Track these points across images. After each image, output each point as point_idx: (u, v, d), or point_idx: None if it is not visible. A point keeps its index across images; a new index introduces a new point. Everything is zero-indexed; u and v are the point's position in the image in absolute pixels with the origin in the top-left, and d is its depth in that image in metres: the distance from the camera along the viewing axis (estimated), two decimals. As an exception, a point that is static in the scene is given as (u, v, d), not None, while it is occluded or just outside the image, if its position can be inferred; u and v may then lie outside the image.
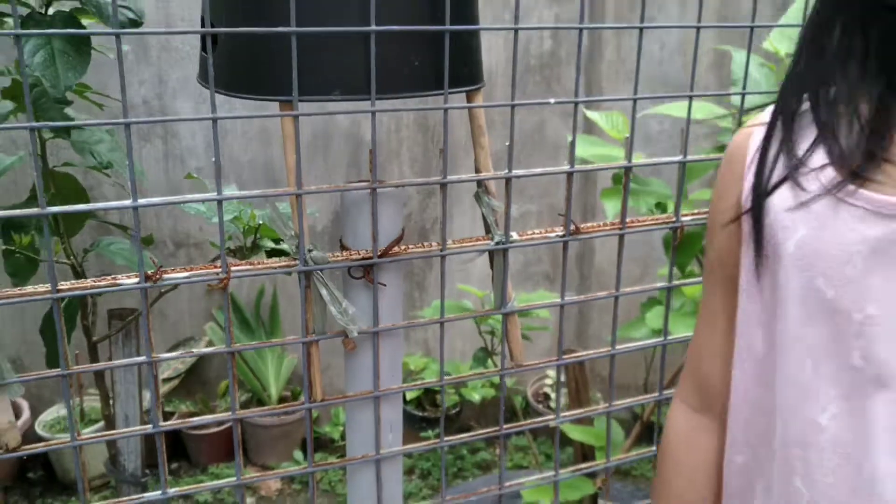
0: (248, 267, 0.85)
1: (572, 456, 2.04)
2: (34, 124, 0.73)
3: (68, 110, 1.39)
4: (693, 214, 1.02)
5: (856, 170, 0.60)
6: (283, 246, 1.42)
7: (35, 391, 2.70)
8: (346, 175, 2.65)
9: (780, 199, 0.64)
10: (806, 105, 0.65)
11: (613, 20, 2.67)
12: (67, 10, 1.24)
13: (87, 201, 1.61)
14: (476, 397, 2.75)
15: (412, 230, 2.75)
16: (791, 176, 0.64)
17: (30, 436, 2.57)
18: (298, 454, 2.73)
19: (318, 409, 1.06)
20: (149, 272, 0.80)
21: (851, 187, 0.60)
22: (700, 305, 0.79)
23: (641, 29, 0.91)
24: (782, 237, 0.64)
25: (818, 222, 0.62)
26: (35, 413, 2.63)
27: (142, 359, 0.85)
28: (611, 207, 1.39)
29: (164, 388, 2.69)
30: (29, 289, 0.77)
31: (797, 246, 0.63)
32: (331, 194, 2.49)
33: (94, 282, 0.79)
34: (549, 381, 2.90)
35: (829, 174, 0.61)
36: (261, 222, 1.32)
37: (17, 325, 2.56)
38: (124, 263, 1.52)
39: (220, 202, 0.81)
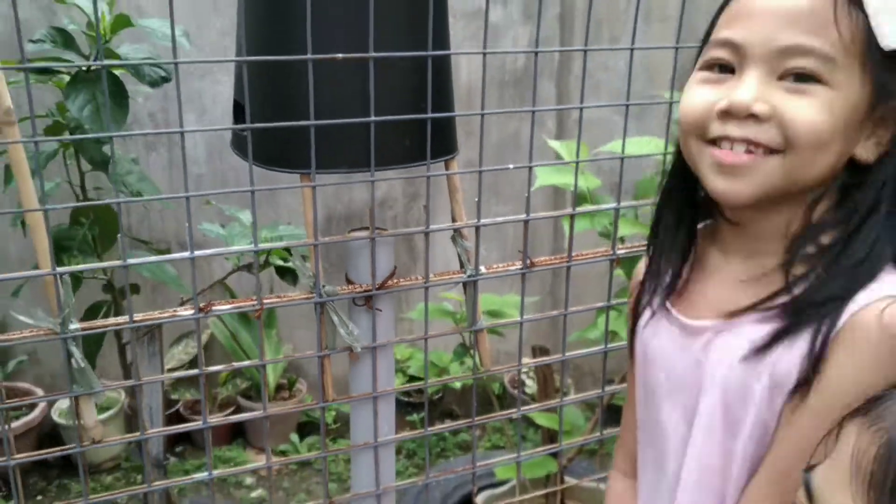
0: (277, 300, 1.09)
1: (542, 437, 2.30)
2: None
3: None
4: (626, 248, 1.27)
5: (666, 298, 0.86)
6: (289, 264, 1.66)
7: (49, 381, 2.93)
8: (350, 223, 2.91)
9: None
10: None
11: (581, 40, 2.90)
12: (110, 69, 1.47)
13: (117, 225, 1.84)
14: (457, 385, 3.01)
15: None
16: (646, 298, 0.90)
17: (45, 422, 2.81)
18: (294, 437, 2.99)
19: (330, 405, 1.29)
20: (202, 305, 1.04)
21: (669, 309, 0.86)
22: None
23: (585, 51, 1.15)
24: (638, 342, 0.91)
25: (654, 334, 0.88)
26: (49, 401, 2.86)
27: (195, 371, 1.09)
28: (578, 230, 1.64)
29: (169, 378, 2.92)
30: (111, 321, 1.00)
31: (641, 350, 0.90)
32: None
33: (160, 313, 1.03)
34: (524, 370, 3.17)
35: (657, 299, 0.88)
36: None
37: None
38: (149, 276, 1.75)
39: (255, 252, 1.05)
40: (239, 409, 2.97)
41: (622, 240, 1.46)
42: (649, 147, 1.73)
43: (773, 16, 0.73)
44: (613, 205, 1.24)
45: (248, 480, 2.84)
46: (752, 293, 0.78)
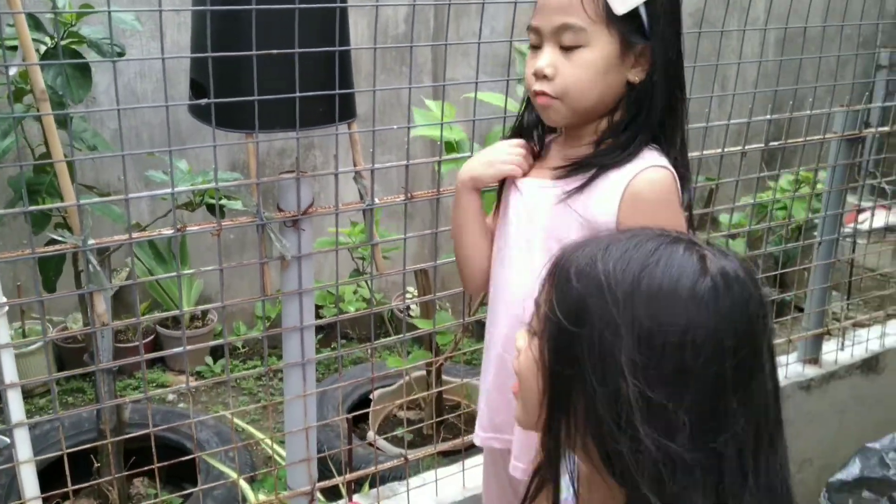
0: (231, 223, 1.52)
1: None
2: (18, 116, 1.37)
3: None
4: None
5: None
6: (223, 202, 2.08)
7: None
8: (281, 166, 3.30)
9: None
10: None
11: (454, 10, 3.37)
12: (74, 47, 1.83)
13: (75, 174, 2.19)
14: (352, 309, 3.48)
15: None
16: None
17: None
18: (209, 359, 3.40)
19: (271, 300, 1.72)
20: (180, 225, 1.46)
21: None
22: None
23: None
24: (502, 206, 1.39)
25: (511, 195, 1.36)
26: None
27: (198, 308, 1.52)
28: (445, 170, 2.12)
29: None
30: (116, 237, 1.41)
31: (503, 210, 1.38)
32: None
33: (141, 235, 1.45)
34: (409, 296, 3.66)
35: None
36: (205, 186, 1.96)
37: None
38: (100, 214, 2.12)
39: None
40: (157, 337, 3.35)
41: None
42: (496, 99, 2.21)
43: (549, 8, 1.23)
44: (468, 154, 1.72)
45: (171, 397, 3.24)
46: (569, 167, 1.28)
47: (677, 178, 1.25)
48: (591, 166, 1.25)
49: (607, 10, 1.19)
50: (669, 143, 1.27)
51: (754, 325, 0.76)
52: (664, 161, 1.24)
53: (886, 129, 2.44)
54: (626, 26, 1.21)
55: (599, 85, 1.23)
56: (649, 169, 1.22)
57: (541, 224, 1.29)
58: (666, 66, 1.24)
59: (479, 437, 1.48)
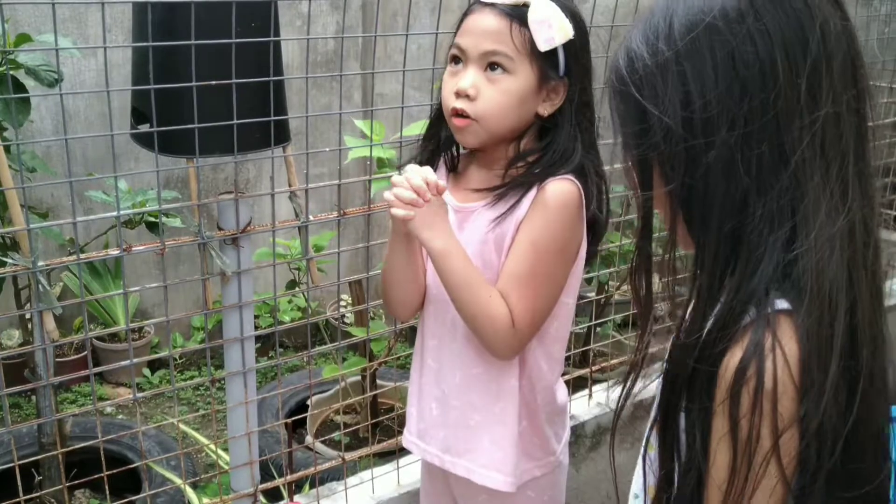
0: (174, 242, 1.62)
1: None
2: None
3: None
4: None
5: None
6: (163, 219, 2.16)
7: None
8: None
9: None
10: None
11: (381, 27, 3.49)
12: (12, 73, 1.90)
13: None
14: (287, 319, 3.57)
15: (229, 189, 3.49)
16: None
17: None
18: (146, 371, 3.45)
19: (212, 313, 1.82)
20: (126, 245, 1.55)
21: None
22: None
23: (375, 37, 1.74)
24: None
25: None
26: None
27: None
28: (374, 189, 2.24)
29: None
30: (66, 259, 1.50)
31: None
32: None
33: (88, 256, 1.54)
34: (342, 304, 3.77)
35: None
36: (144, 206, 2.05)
37: None
38: (41, 234, 2.19)
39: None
40: (94, 351, 3.39)
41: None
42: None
43: (479, 33, 1.33)
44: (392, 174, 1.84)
45: (108, 409, 3.29)
46: (485, 192, 1.38)
47: (583, 194, 1.38)
48: (515, 190, 1.36)
49: (532, 44, 1.31)
50: (585, 166, 1.37)
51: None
52: (571, 177, 1.37)
53: None
54: (545, 62, 1.33)
55: (516, 112, 1.34)
56: (557, 180, 1.34)
57: (472, 249, 1.39)
58: (573, 101, 1.36)
59: (406, 439, 1.58)
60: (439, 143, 1.47)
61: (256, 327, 3.65)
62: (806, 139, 0.78)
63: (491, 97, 1.32)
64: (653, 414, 0.92)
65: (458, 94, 1.33)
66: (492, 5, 1.32)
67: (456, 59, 1.36)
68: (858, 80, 0.82)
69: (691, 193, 0.82)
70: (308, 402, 2.92)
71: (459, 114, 1.33)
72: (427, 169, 1.32)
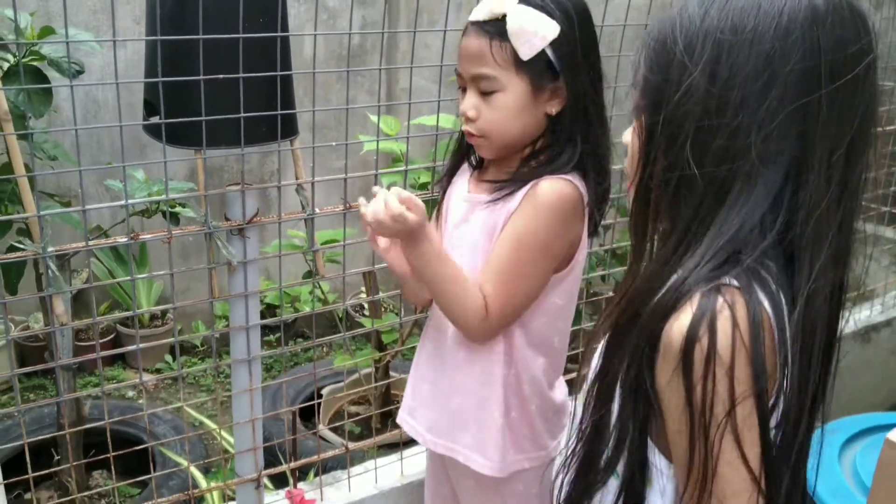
0: (181, 230, 1.66)
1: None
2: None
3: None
4: (423, 194, 1.91)
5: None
6: (176, 210, 2.21)
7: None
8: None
9: None
10: None
11: (405, 22, 3.52)
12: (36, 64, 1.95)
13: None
14: (307, 309, 3.61)
15: (253, 180, 3.54)
16: None
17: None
18: (168, 357, 3.51)
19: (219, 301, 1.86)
20: (133, 233, 1.59)
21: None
22: None
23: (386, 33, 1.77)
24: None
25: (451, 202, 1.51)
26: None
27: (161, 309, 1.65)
28: (385, 180, 2.27)
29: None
30: (74, 245, 1.55)
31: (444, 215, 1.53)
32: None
33: (97, 243, 1.58)
34: (362, 296, 3.81)
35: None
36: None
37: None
38: (59, 221, 2.24)
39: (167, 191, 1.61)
40: (118, 336, 3.47)
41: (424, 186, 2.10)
42: (441, 121, 2.37)
43: (466, 57, 1.37)
44: (402, 167, 1.87)
45: (130, 393, 3.36)
46: (492, 185, 1.43)
47: (585, 194, 1.40)
48: (514, 184, 1.40)
49: (515, 56, 1.33)
50: (586, 165, 1.40)
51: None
52: (570, 177, 1.39)
53: None
54: (534, 68, 1.34)
55: (517, 122, 1.37)
56: (553, 178, 1.37)
57: (473, 237, 1.44)
58: (577, 98, 1.37)
59: (400, 416, 1.63)
60: (467, 151, 1.53)
61: (275, 316, 3.71)
62: (819, 153, 0.82)
63: (489, 116, 1.37)
64: (590, 376, 0.94)
65: (463, 117, 1.40)
66: (475, 23, 1.36)
67: (461, 84, 1.42)
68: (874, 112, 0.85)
69: (679, 160, 0.84)
70: (322, 392, 2.96)
71: (469, 133, 1.41)
72: (396, 189, 1.35)
